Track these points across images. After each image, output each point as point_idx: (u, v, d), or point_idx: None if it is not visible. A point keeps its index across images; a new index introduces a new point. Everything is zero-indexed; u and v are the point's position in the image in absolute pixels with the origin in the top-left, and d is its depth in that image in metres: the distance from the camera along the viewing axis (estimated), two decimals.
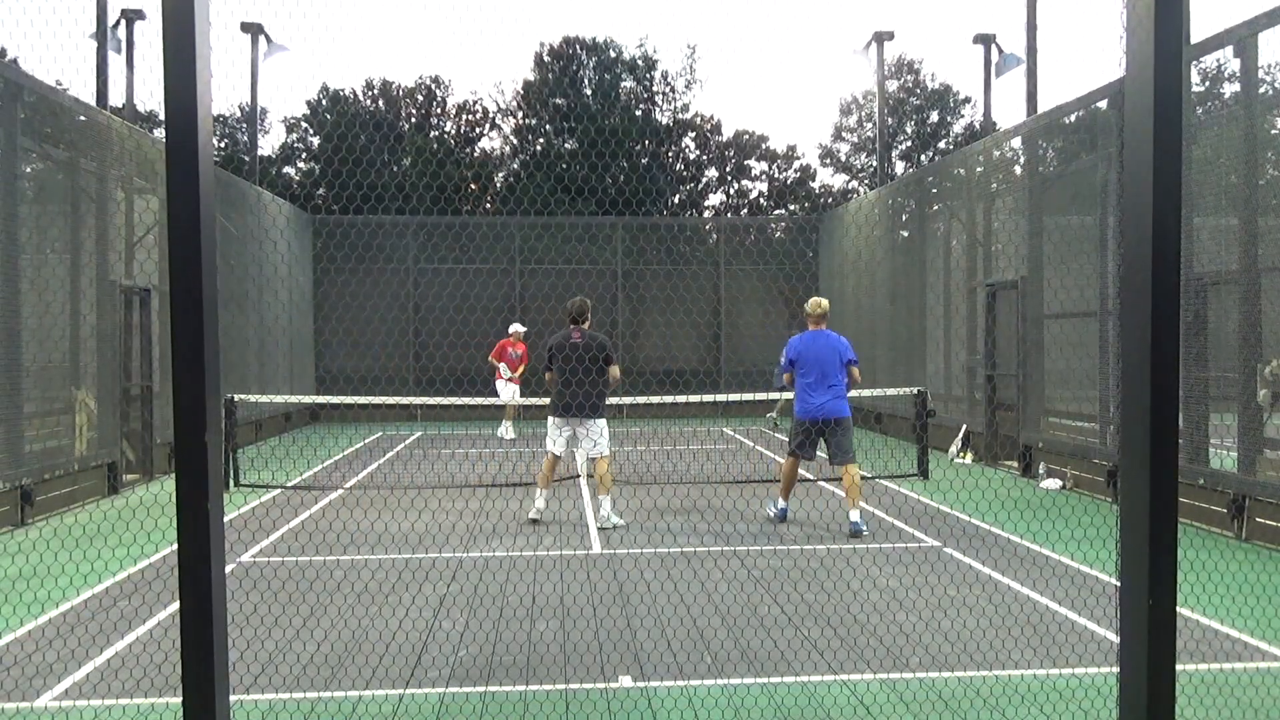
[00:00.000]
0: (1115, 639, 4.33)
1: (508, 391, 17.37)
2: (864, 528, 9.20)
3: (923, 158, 34.27)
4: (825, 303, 9.71)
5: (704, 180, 34.72)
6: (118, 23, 15.28)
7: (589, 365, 9.50)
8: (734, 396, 15.38)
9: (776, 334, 23.24)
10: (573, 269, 23.08)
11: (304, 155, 33.16)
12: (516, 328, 18.00)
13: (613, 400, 15.74)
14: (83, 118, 12.39)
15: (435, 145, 32.11)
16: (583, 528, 9.64)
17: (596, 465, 9.67)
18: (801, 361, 9.43)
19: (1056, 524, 9.53)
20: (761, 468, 13.99)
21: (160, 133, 14.77)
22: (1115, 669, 4.22)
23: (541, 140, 32.33)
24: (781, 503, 9.77)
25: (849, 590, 7.15)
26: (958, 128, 35.20)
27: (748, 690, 5.20)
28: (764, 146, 34.96)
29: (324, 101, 32.61)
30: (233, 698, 4.83)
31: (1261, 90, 9.07)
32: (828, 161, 36.44)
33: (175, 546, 3.29)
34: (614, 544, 8.88)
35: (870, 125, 34.68)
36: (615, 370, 9.73)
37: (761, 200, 35.09)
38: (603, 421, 9.66)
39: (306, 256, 21.97)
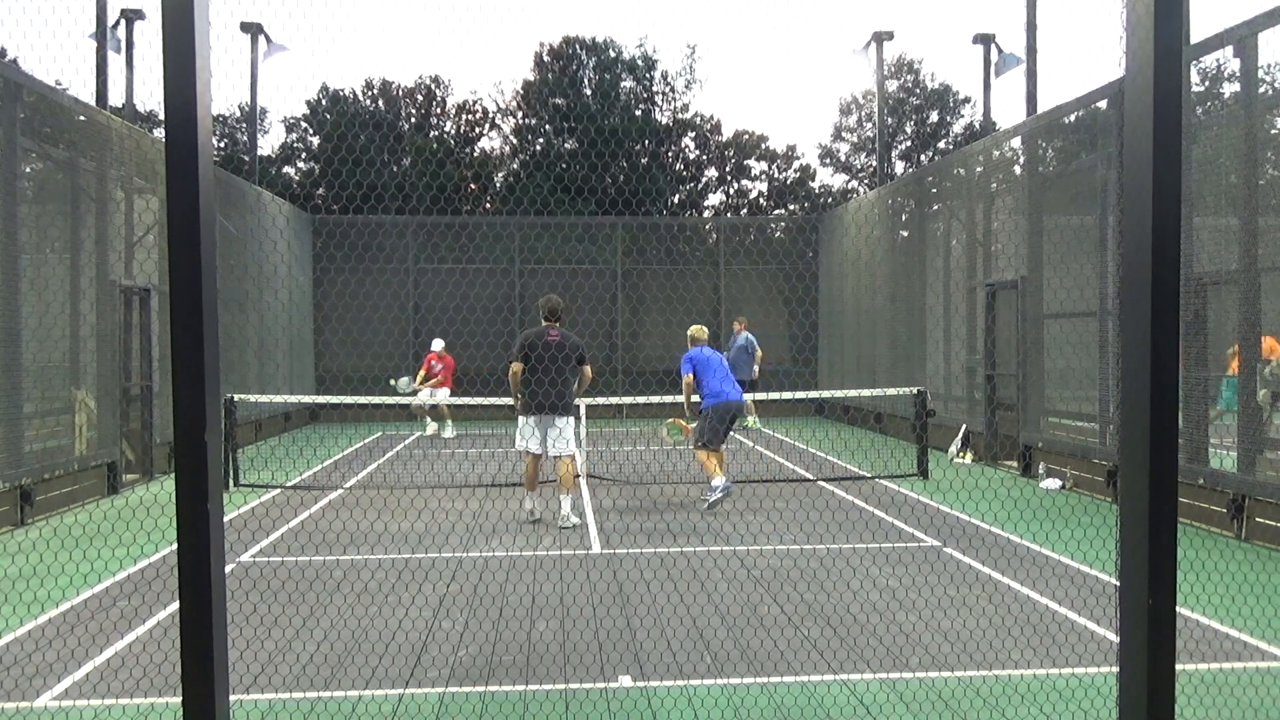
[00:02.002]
0: (1115, 639, 4.33)
1: (424, 395, 18.56)
2: (725, 490, 10.38)
3: (922, 158, 34.26)
4: (703, 331, 11.34)
5: (704, 180, 34.70)
6: (117, 23, 15.29)
7: (562, 364, 9.58)
8: None
9: (777, 333, 23.27)
10: (573, 269, 23.08)
11: (304, 155, 33.15)
12: (438, 343, 19.17)
13: (613, 400, 15.80)
14: (82, 117, 12.39)
15: (435, 145, 32.10)
16: (583, 527, 9.64)
17: (559, 464, 9.75)
18: (709, 367, 10.87)
19: (1056, 524, 9.53)
20: (761, 467, 13.99)
21: (160, 132, 14.75)
22: (1115, 669, 4.22)
23: (541, 140, 32.33)
24: (718, 480, 10.37)
25: (849, 590, 7.15)
26: (957, 128, 35.21)
27: (747, 690, 5.20)
28: (764, 146, 34.95)
29: (324, 101, 32.59)
30: (232, 698, 4.83)
31: (1261, 90, 9.07)
32: (827, 161, 36.44)
33: (175, 546, 3.29)
34: (614, 544, 8.88)
35: (870, 125, 34.67)
36: (588, 370, 9.86)
37: (761, 200, 35.09)
38: (572, 420, 9.83)
39: (306, 256, 21.97)
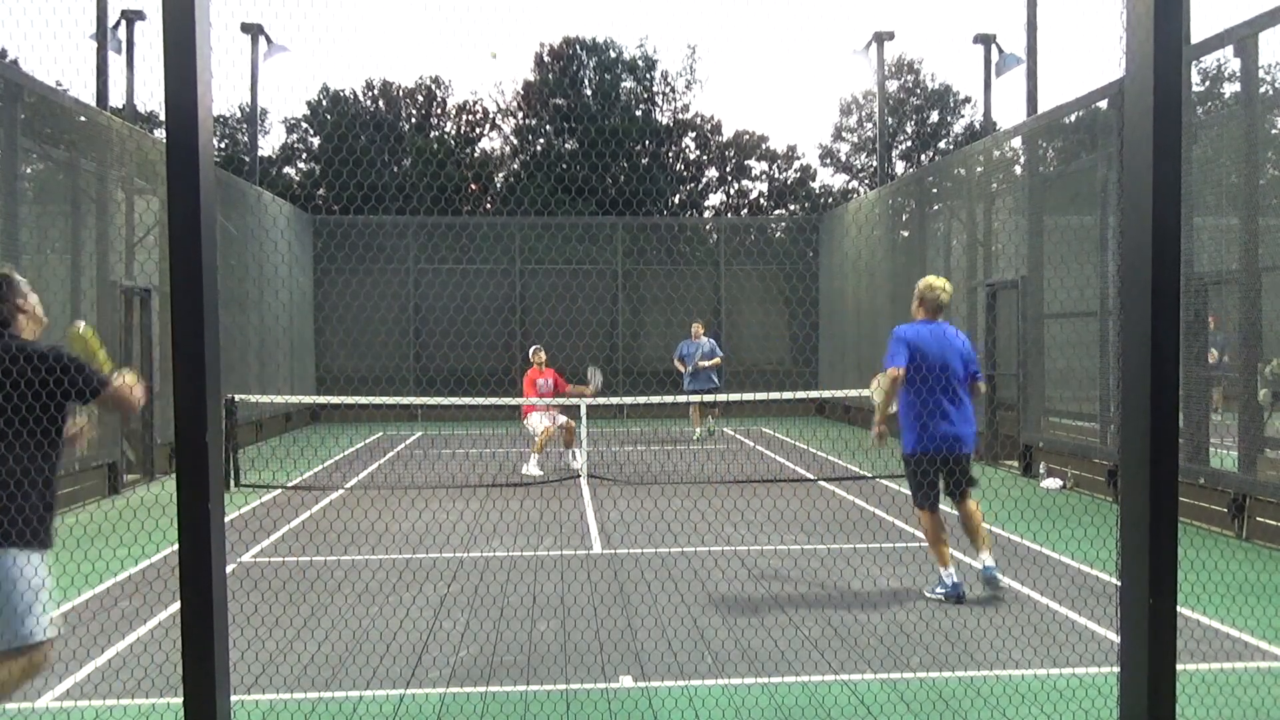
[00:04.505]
0: (1116, 639, 4.33)
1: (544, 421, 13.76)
2: (997, 573, 6.92)
3: (923, 158, 34.26)
4: (947, 287, 6.96)
5: (704, 180, 34.71)
6: (118, 23, 15.29)
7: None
8: (734, 396, 15.38)
9: (777, 333, 23.28)
10: (573, 269, 23.08)
11: (304, 155, 33.17)
12: (540, 354, 14.05)
13: (614, 400, 15.76)
14: (83, 118, 12.39)
15: (435, 145, 32.11)
16: (583, 527, 9.64)
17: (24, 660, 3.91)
18: (924, 363, 6.64)
19: (1057, 524, 9.53)
20: (762, 468, 13.99)
21: (161, 133, 14.75)
22: (1116, 669, 4.22)
23: (542, 140, 32.34)
24: (948, 573, 6.85)
25: (849, 590, 7.14)
26: (958, 128, 35.22)
27: (748, 690, 5.20)
28: (764, 146, 34.97)
29: (324, 102, 32.61)
30: (233, 698, 4.82)
31: (1262, 90, 9.07)
32: (828, 161, 36.46)
33: (175, 546, 3.29)
34: (614, 544, 8.88)
35: (870, 125, 34.67)
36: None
37: (762, 200, 35.09)
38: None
39: (307, 257, 21.97)
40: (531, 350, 14.02)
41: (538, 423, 13.54)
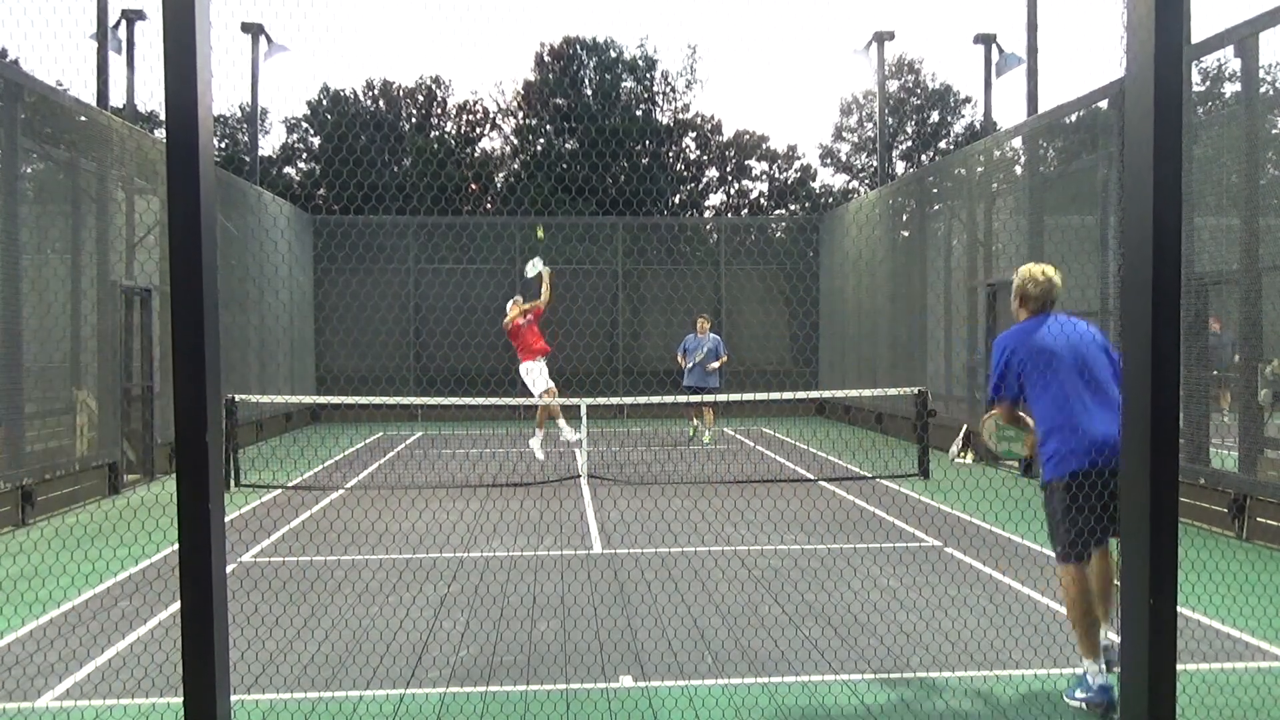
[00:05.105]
0: (1116, 639, 4.33)
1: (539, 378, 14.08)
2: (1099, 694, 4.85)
3: (923, 158, 34.26)
4: (1056, 275, 5.54)
5: (704, 180, 34.70)
6: (118, 23, 15.30)
7: None
8: (734, 396, 15.37)
9: (777, 333, 23.27)
10: (574, 269, 23.07)
11: (304, 155, 33.16)
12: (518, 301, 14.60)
13: (614, 400, 15.75)
14: (83, 118, 12.39)
15: (436, 145, 32.10)
16: (583, 527, 9.64)
17: None
18: (1055, 362, 5.08)
19: None
20: (762, 468, 13.99)
21: (161, 133, 14.74)
22: (1116, 669, 4.22)
23: (542, 140, 32.33)
24: (1095, 668, 4.89)
25: (849, 590, 7.14)
26: (958, 128, 35.21)
27: (748, 690, 5.20)
28: (764, 146, 34.95)
29: (324, 102, 32.60)
30: (233, 698, 4.83)
31: (1262, 90, 9.07)
32: (828, 161, 36.45)
33: (176, 546, 3.29)
34: (614, 544, 8.88)
35: (870, 125, 34.67)
36: None
37: (762, 200, 35.09)
38: None
39: (307, 257, 21.97)
40: (510, 302, 14.83)
41: (539, 375, 14.27)
